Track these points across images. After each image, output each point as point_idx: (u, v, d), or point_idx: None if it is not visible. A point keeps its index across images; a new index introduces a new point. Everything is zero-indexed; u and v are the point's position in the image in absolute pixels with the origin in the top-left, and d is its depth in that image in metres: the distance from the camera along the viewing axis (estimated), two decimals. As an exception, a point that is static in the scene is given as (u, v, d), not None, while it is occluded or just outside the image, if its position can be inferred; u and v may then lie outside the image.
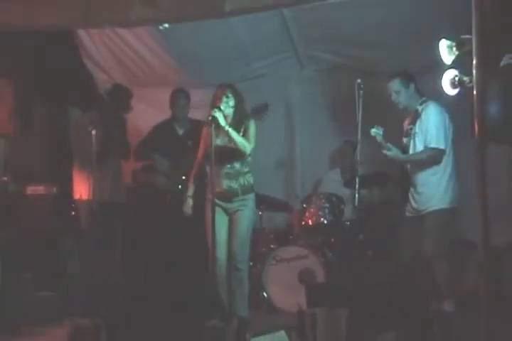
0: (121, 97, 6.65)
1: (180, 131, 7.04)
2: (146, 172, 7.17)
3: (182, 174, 6.55)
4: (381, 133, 5.65)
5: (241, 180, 5.74)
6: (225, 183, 5.72)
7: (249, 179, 5.79)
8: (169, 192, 6.76)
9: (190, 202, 5.95)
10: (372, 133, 5.67)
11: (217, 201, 5.59)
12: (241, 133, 5.69)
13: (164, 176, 6.85)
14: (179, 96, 7.00)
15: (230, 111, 5.72)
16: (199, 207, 5.89)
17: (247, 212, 5.78)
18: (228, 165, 5.71)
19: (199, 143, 5.93)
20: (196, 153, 5.96)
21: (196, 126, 6.44)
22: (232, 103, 5.72)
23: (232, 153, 5.70)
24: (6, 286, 5.78)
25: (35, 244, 6.48)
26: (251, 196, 5.82)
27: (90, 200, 6.02)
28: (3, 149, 6.38)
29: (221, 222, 5.70)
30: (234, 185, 5.73)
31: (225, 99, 5.69)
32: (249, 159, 5.78)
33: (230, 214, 5.79)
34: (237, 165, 5.74)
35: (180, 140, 6.93)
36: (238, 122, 5.74)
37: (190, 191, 5.98)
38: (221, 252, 5.68)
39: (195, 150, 6.00)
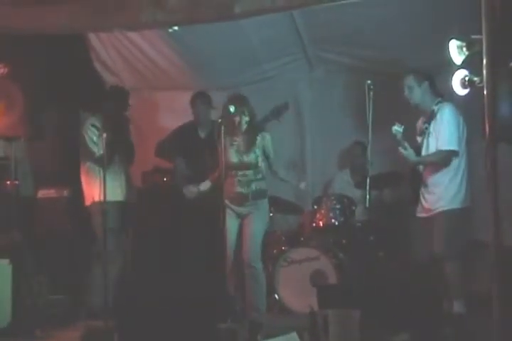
0: (118, 98, 6.64)
1: (203, 134, 7.03)
2: (163, 175, 7.19)
3: (202, 177, 6.54)
4: (401, 131, 5.64)
5: (253, 186, 5.93)
6: (237, 189, 5.92)
7: (261, 185, 5.98)
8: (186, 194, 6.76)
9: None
10: (393, 131, 5.66)
11: (229, 204, 5.89)
12: (257, 142, 5.90)
13: (183, 179, 6.85)
14: (197, 103, 6.98)
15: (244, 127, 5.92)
16: (212, 209, 5.97)
17: (258, 214, 5.94)
18: (241, 173, 5.92)
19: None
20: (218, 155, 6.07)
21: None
22: (246, 119, 5.88)
23: (249, 167, 5.92)
24: (19, 289, 5.79)
25: (48, 247, 6.51)
26: (263, 201, 6.01)
27: (101, 202, 6.03)
28: (14, 153, 6.39)
29: (232, 224, 5.90)
30: (245, 190, 5.91)
31: (237, 118, 5.87)
32: (262, 166, 5.97)
33: (242, 218, 5.97)
34: (249, 173, 5.93)
35: (203, 143, 6.88)
36: (251, 138, 5.92)
37: (204, 186, 6.18)
38: (230, 254, 5.86)
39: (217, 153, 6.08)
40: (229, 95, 6.00)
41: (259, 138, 5.92)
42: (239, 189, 5.90)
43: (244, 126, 5.88)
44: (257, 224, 5.93)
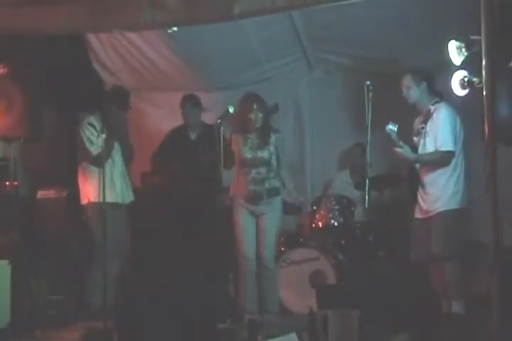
0: (119, 98, 6.65)
1: (193, 136, 7.15)
2: (162, 176, 7.23)
3: (194, 177, 6.59)
4: (396, 129, 5.64)
5: (266, 185, 6.03)
6: (251, 187, 6.02)
7: (274, 183, 6.08)
8: (184, 194, 6.80)
9: None
10: (388, 130, 5.64)
11: (244, 203, 6.03)
12: (271, 140, 6.05)
13: (178, 179, 6.88)
14: (186, 105, 7.09)
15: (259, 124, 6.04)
16: (214, 209, 6.17)
17: (273, 215, 6.08)
18: (254, 171, 6.02)
19: (211, 146, 6.07)
20: (208, 156, 6.14)
21: (208, 130, 6.50)
22: (261, 116, 6.01)
23: (263, 164, 6.04)
24: (18, 290, 5.79)
25: (47, 248, 6.50)
26: (277, 199, 6.13)
27: (100, 203, 6.03)
28: (13, 153, 6.39)
29: (248, 223, 6.06)
30: (259, 189, 6.01)
31: (253, 115, 5.99)
32: (274, 164, 6.08)
33: (257, 217, 6.08)
34: (263, 170, 6.01)
35: (193, 144, 7.05)
36: (265, 135, 6.07)
37: None
38: (250, 252, 6.02)
39: (207, 154, 6.15)
40: (244, 93, 6.15)
41: (273, 136, 6.05)
42: (253, 186, 6.00)
43: (258, 123, 5.98)
44: (272, 224, 6.05)
